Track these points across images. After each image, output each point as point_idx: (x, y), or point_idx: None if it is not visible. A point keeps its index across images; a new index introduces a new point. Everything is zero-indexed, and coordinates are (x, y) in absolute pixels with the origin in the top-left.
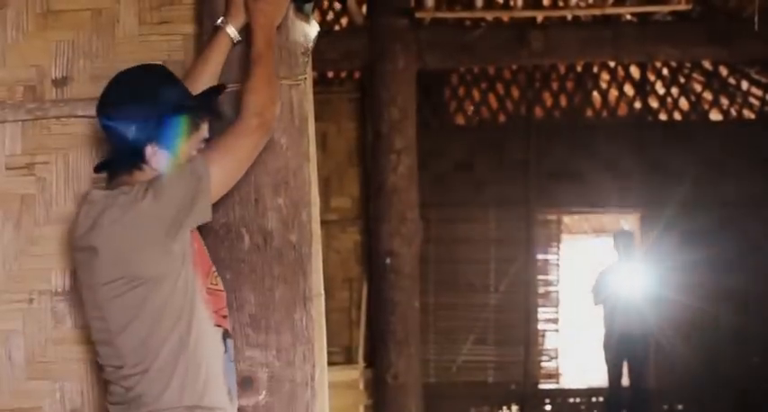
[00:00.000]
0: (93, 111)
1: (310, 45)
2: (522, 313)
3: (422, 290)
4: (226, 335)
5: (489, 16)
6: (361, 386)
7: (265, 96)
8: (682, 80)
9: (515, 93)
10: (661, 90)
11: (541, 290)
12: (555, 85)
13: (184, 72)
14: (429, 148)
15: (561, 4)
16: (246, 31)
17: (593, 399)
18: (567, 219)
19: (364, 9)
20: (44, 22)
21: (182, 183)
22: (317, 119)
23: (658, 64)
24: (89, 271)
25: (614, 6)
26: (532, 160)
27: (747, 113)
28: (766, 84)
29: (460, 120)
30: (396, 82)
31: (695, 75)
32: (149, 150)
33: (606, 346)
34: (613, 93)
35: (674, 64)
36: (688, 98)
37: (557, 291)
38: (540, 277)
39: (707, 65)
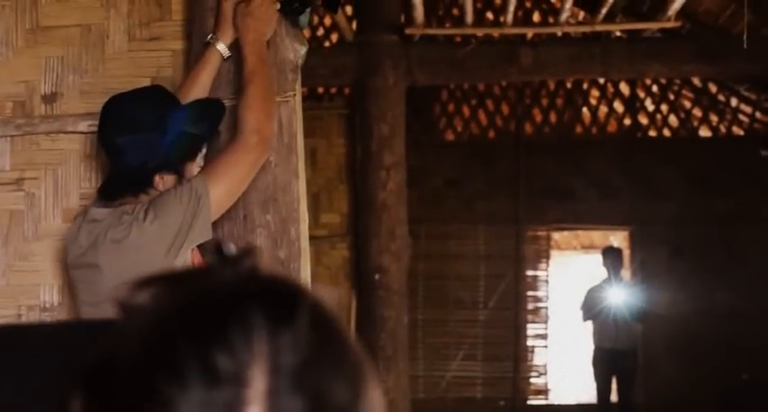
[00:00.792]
0: (82, 127)
1: (299, 62)
2: (512, 329)
3: (411, 306)
4: None
5: (479, 33)
6: None
7: (262, 113)
8: (671, 97)
9: (505, 109)
10: (651, 107)
11: (530, 306)
12: (545, 102)
13: (175, 88)
14: (419, 165)
15: (551, 20)
16: (236, 47)
17: None
18: (556, 235)
19: (354, 25)
20: (34, 38)
21: (182, 203)
22: (306, 135)
23: (648, 81)
24: (92, 288)
25: (604, 23)
26: (522, 176)
27: (737, 130)
28: (755, 100)
29: (450, 136)
30: (385, 98)
31: (685, 92)
32: (158, 178)
33: (595, 362)
34: (603, 109)
35: (663, 81)
36: (677, 115)
37: (546, 308)
38: (530, 293)
39: (696, 82)
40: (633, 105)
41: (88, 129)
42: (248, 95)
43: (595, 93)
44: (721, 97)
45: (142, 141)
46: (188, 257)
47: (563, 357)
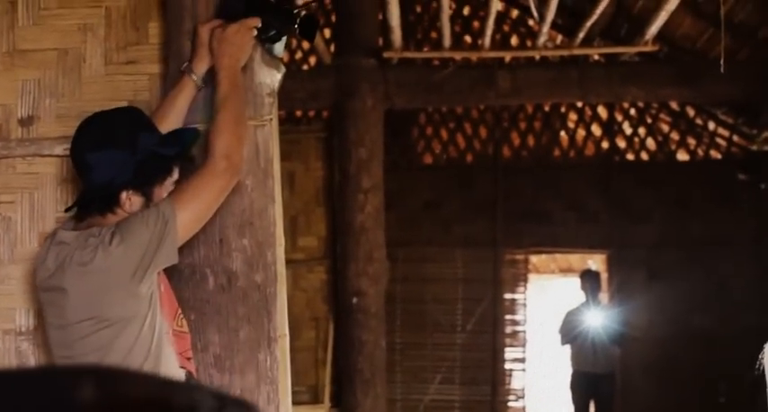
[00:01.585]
0: (59, 151)
1: (276, 86)
2: (490, 352)
3: (389, 329)
4: (189, 377)
5: (457, 56)
6: None
7: (232, 138)
8: (649, 120)
9: (483, 132)
10: (628, 130)
11: (508, 329)
12: (522, 125)
13: (150, 112)
14: (397, 188)
15: (529, 44)
16: (212, 72)
17: None
18: (534, 258)
19: (332, 48)
20: (11, 61)
21: (148, 227)
22: (284, 158)
23: (626, 104)
24: (58, 311)
25: (582, 47)
26: (500, 200)
27: (714, 154)
28: (733, 124)
29: (428, 159)
30: (363, 121)
31: (662, 115)
32: (124, 196)
33: (573, 386)
34: (581, 133)
35: (641, 104)
36: (655, 138)
37: (524, 331)
38: (508, 317)
39: (674, 105)
40: (611, 129)
41: (64, 153)
42: (220, 120)
43: (573, 116)
44: (699, 121)
45: (111, 158)
46: (154, 281)
47: (541, 381)
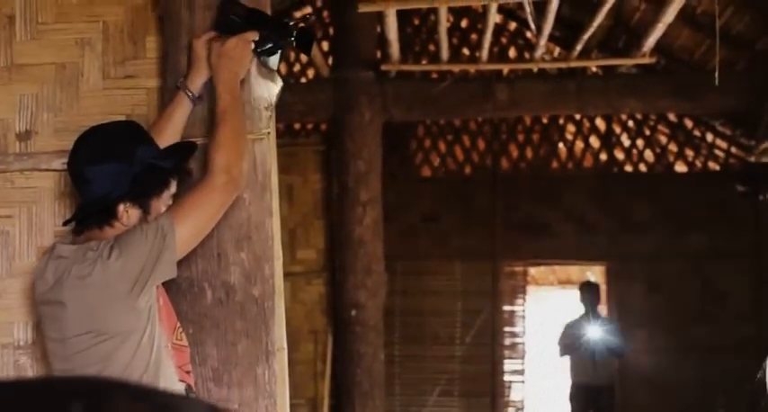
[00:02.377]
0: (56, 165)
1: (274, 100)
2: (488, 365)
3: (387, 341)
4: (188, 390)
5: (455, 69)
6: None
7: (232, 153)
8: (647, 132)
9: (481, 145)
10: (626, 142)
11: (507, 341)
12: (521, 137)
13: (148, 126)
14: (395, 200)
15: (527, 56)
16: (210, 85)
17: None
18: (532, 270)
19: (330, 61)
20: (8, 76)
21: (147, 240)
22: (282, 171)
23: (624, 116)
24: (57, 324)
25: (579, 59)
26: (498, 212)
27: (712, 165)
28: (731, 136)
29: (426, 171)
30: (362, 134)
31: (660, 127)
32: (121, 208)
33: (572, 398)
34: (579, 145)
35: (639, 116)
36: (653, 150)
37: (523, 343)
38: (506, 329)
39: (672, 117)
40: (609, 141)
41: (62, 167)
42: (219, 134)
43: (571, 128)
44: (697, 132)
45: (109, 171)
46: (153, 295)
47: (540, 393)
